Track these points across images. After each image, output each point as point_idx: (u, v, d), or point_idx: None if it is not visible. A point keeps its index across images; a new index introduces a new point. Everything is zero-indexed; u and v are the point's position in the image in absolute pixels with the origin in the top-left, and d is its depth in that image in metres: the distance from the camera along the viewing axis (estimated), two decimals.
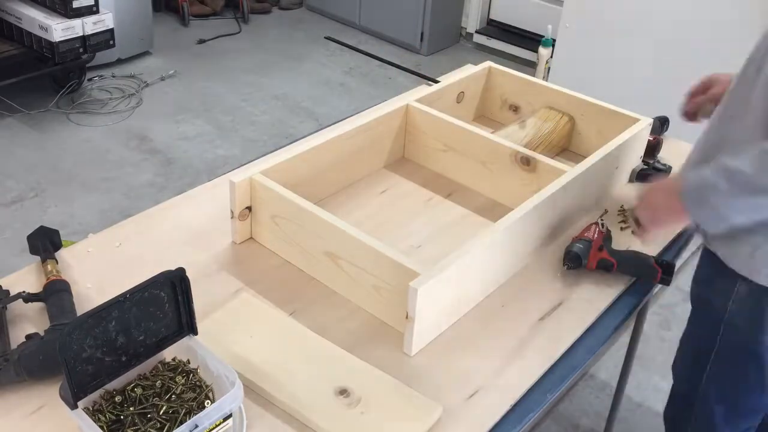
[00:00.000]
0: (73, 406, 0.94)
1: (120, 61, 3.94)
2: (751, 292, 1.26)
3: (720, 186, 1.13)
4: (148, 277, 1.00)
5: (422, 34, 4.33)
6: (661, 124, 1.79)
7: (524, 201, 1.36)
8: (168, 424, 0.97)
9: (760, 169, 1.10)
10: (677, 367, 1.56)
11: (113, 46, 3.54)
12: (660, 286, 1.42)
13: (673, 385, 1.57)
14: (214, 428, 0.95)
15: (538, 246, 1.43)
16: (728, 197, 1.13)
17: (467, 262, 1.22)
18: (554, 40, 3.30)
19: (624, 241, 1.48)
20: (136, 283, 0.99)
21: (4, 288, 1.22)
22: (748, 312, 1.28)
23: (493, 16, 4.54)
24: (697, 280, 1.42)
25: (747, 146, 1.13)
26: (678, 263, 1.47)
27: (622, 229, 1.53)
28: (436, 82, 1.85)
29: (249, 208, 1.38)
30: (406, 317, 1.16)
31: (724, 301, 1.30)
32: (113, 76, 3.85)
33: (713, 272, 1.31)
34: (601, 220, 1.45)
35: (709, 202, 1.16)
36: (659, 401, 2.26)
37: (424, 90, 1.75)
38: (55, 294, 1.20)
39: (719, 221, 1.17)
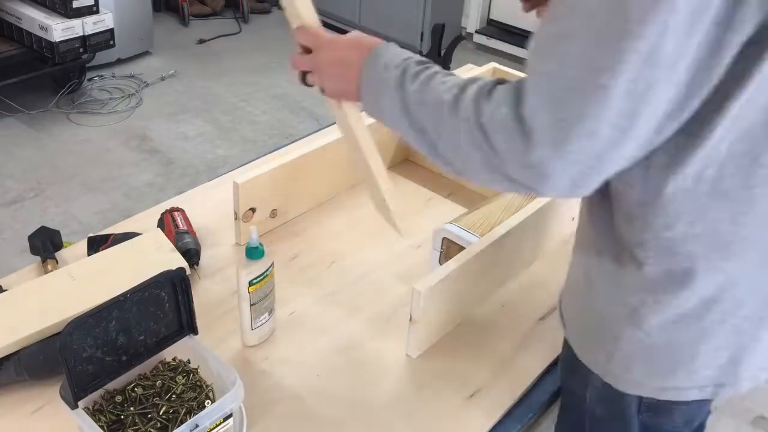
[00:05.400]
0: (74, 406, 0.94)
1: (120, 61, 3.94)
2: (605, 385, 0.98)
3: (394, 94, 0.87)
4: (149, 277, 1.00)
5: (422, 34, 4.33)
6: None
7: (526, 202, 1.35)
8: (168, 424, 0.97)
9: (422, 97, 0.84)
10: None
11: (113, 46, 3.54)
12: None
13: None
14: (214, 428, 0.95)
15: (541, 246, 1.43)
16: (397, 108, 0.87)
17: (470, 264, 1.22)
18: None
19: None
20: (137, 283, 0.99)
21: (4, 288, 1.22)
22: (605, 404, 1.03)
23: (493, 16, 4.55)
24: (561, 364, 1.15)
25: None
26: None
27: None
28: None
29: (253, 210, 1.38)
30: (410, 319, 1.16)
31: (583, 391, 1.04)
32: (113, 76, 3.85)
33: (573, 356, 1.04)
34: None
35: (378, 101, 0.90)
36: None
37: None
38: None
39: (382, 119, 0.92)
